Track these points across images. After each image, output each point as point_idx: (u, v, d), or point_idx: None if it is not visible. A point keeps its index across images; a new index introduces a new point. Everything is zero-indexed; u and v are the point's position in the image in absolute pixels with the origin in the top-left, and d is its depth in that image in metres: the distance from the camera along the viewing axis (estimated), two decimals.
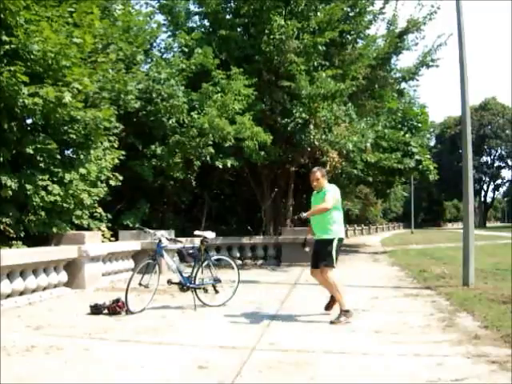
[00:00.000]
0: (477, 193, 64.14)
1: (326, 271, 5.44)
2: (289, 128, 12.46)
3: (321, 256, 5.50)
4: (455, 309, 5.92)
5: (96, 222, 9.28)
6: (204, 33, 13.67)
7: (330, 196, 5.49)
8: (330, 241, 5.48)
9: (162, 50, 13.95)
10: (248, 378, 3.48)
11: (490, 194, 73.78)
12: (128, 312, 5.82)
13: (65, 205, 7.86)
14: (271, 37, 11.95)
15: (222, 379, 3.45)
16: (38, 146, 7.47)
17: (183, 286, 6.35)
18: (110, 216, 10.00)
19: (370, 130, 13.14)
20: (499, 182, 72.19)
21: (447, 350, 4.11)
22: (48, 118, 7.62)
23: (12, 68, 6.83)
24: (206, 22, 14.29)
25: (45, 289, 7.00)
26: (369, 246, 23.41)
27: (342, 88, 11.97)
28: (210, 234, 6.66)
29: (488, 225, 72.82)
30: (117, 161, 9.56)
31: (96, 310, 5.86)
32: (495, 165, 68.73)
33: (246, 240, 12.85)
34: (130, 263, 9.68)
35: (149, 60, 12.53)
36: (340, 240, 5.58)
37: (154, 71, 11.40)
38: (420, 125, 20.78)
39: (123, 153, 9.82)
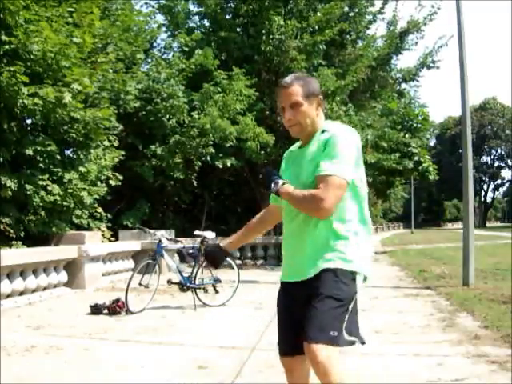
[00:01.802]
0: (477, 193, 64.18)
1: (321, 352, 1.89)
2: None
3: (313, 317, 1.95)
4: (455, 309, 5.92)
5: (96, 222, 9.28)
6: (204, 33, 13.68)
7: (343, 152, 2.00)
8: (344, 277, 2.02)
9: (162, 50, 13.97)
10: (248, 378, 3.48)
11: (490, 194, 73.92)
12: (128, 312, 5.82)
13: (65, 203, 7.86)
14: (271, 37, 11.96)
15: (222, 379, 3.44)
16: (38, 147, 7.47)
17: (183, 286, 6.35)
18: (110, 216, 10.00)
19: (370, 122, 13.14)
20: (499, 181, 72.30)
21: (447, 349, 4.11)
22: (48, 118, 7.62)
23: (12, 68, 6.82)
24: (206, 23, 14.32)
25: (45, 289, 7.00)
26: None
27: (344, 84, 11.99)
28: (210, 234, 6.66)
29: (488, 225, 72.83)
30: (116, 160, 9.57)
31: (96, 310, 5.85)
32: (495, 165, 68.81)
33: None
34: (130, 263, 9.67)
35: (149, 60, 12.54)
36: (362, 278, 2.12)
37: (154, 71, 11.41)
38: (420, 125, 20.76)
39: (123, 153, 9.83)
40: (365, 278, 2.12)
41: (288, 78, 2.14)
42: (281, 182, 2.07)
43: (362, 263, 2.07)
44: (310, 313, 1.98)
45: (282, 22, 11.87)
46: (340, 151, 1.99)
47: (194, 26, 14.51)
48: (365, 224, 2.13)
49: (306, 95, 2.08)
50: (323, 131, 2.08)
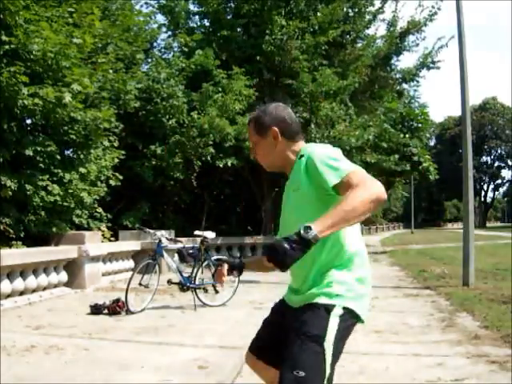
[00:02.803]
0: (477, 193, 64.14)
1: None
2: None
3: (290, 354, 1.74)
4: (455, 309, 5.93)
5: (96, 222, 9.28)
6: (204, 33, 13.68)
7: (336, 156, 1.78)
8: (323, 313, 1.77)
9: (162, 50, 13.98)
10: (248, 378, 3.47)
11: (490, 194, 73.88)
12: (128, 312, 5.82)
13: (65, 204, 7.86)
14: (273, 37, 11.97)
15: (222, 379, 3.45)
16: (38, 147, 7.47)
17: (183, 286, 6.35)
18: (110, 216, 10.00)
19: (371, 122, 13.14)
20: (499, 181, 72.28)
21: (447, 350, 4.11)
22: (48, 118, 7.62)
23: (12, 68, 6.82)
24: (207, 22, 14.31)
25: (45, 289, 7.00)
26: (369, 245, 23.40)
27: (346, 85, 12.00)
28: (210, 234, 6.67)
29: (488, 225, 72.81)
30: (117, 160, 9.57)
31: (96, 310, 5.86)
32: (495, 165, 68.80)
33: (246, 240, 12.86)
34: (130, 263, 9.67)
35: (149, 60, 12.55)
36: (351, 316, 1.80)
37: (154, 71, 11.41)
38: (420, 125, 20.77)
39: (123, 152, 9.83)
40: (351, 314, 1.80)
41: (250, 115, 2.07)
42: (313, 230, 1.51)
43: (349, 298, 1.79)
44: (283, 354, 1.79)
45: (283, 23, 11.87)
46: (334, 156, 1.76)
47: (195, 26, 14.51)
48: (358, 250, 1.87)
49: (258, 132, 1.98)
50: (301, 156, 1.86)
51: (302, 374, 1.69)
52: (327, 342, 1.73)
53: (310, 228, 1.51)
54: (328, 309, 1.77)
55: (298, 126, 2.00)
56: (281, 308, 2.07)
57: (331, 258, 1.82)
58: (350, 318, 1.80)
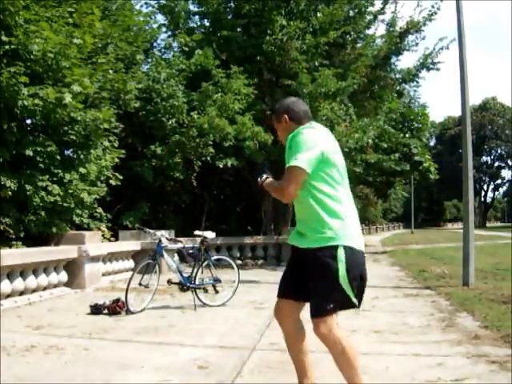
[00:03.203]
0: (477, 193, 64.14)
1: (324, 323, 2.53)
2: None
3: (316, 287, 2.53)
4: (455, 309, 5.93)
5: (96, 222, 9.28)
6: (204, 33, 13.67)
7: (299, 148, 2.49)
8: (329, 252, 2.48)
9: (162, 50, 13.97)
10: (248, 378, 3.48)
11: (490, 194, 73.91)
12: (128, 312, 5.82)
13: (65, 204, 7.86)
14: (273, 37, 11.96)
15: (221, 379, 3.45)
16: (38, 148, 7.46)
17: (183, 286, 6.36)
18: (109, 216, 10.00)
19: (371, 127, 13.11)
20: (499, 181, 72.28)
21: (447, 350, 4.11)
22: (48, 118, 7.61)
23: (12, 69, 6.82)
24: (207, 22, 14.29)
25: (45, 289, 7.00)
26: (369, 245, 23.40)
27: (345, 86, 11.99)
28: (210, 234, 6.67)
29: (488, 225, 72.84)
30: (117, 160, 9.57)
31: (96, 310, 5.85)
32: (495, 165, 68.81)
33: (246, 240, 12.85)
34: (130, 263, 9.68)
35: (149, 60, 12.55)
36: (351, 251, 2.51)
37: (154, 71, 11.41)
38: (421, 125, 20.78)
39: (123, 152, 9.83)
40: (350, 250, 2.51)
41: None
42: (264, 176, 2.74)
43: (342, 238, 2.50)
44: (310, 292, 2.56)
45: (284, 23, 11.86)
46: (296, 144, 2.53)
47: (195, 26, 14.49)
48: (340, 203, 2.57)
49: (276, 118, 2.85)
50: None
51: (331, 305, 2.49)
52: (341, 277, 2.46)
53: (264, 177, 2.76)
54: (331, 250, 2.48)
55: (305, 113, 2.78)
56: (293, 254, 2.77)
57: (321, 210, 2.53)
58: (349, 250, 2.50)
